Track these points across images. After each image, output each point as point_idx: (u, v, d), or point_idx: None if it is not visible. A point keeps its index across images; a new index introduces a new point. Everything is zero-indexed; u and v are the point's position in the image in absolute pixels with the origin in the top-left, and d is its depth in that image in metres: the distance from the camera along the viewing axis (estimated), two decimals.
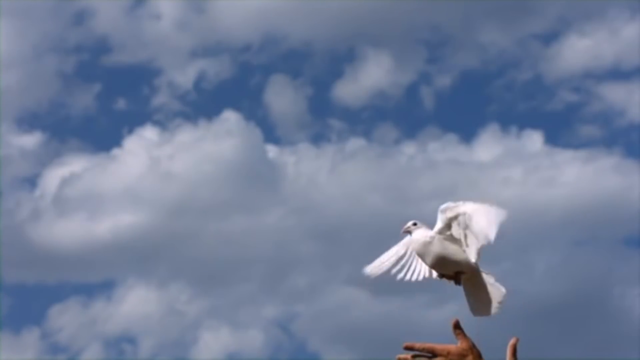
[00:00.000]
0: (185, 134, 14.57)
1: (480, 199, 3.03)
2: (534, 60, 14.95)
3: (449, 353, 2.42)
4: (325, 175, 14.29)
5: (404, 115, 15.02)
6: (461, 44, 15.10)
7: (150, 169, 14.13)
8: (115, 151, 14.45)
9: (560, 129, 15.49)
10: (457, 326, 2.46)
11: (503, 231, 2.88)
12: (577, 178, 13.94)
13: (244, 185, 14.40)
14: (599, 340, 11.54)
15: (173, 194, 13.96)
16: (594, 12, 15.00)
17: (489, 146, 14.15)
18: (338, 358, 12.17)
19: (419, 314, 12.53)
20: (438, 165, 14.15)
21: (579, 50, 14.54)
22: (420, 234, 3.12)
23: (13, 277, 13.48)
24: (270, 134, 14.80)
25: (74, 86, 14.94)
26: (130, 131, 14.71)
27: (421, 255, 3.12)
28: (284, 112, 14.93)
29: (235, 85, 15.16)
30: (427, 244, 3.09)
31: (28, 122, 14.79)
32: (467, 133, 14.63)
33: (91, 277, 13.87)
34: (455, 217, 3.05)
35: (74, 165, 14.18)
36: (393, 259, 3.34)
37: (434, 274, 3.15)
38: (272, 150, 14.68)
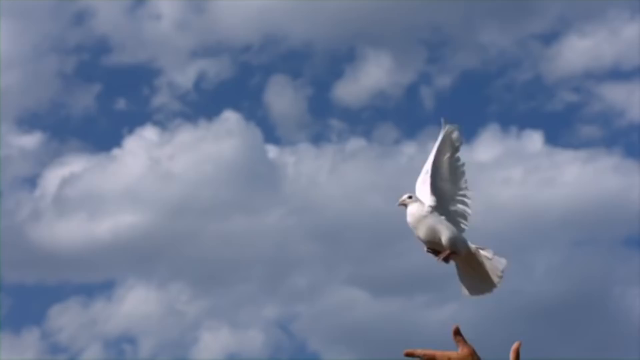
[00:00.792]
0: (186, 134, 14.57)
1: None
2: (534, 60, 14.96)
3: (449, 359, 2.42)
4: (325, 175, 14.30)
5: (404, 115, 15.03)
6: (461, 44, 15.11)
7: (150, 169, 14.13)
8: (115, 151, 14.46)
9: (560, 129, 15.51)
10: (457, 332, 2.45)
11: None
12: (577, 178, 13.94)
13: (244, 185, 14.41)
14: (599, 340, 11.54)
15: (173, 194, 13.96)
16: (594, 12, 15.01)
17: (489, 146, 14.15)
18: (338, 358, 12.18)
19: (419, 314, 12.54)
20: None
21: (579, 50, 14.55)
22: (416, 208, 3.16)
23: (13, 277, 13.49)
24: (270, 134, 14.82)
25: (74, 86, 14.96)
26: (131, 131, 14.72)
27: (415, 228, 3.15)
28: (284, 112, 14.94)
29: (235, 86, 15.17)
30: (422, 218, 3.13)
31: (28, 122, 14.80)
32: (467, 133, 14.57)
33: (91, 277, 13.88)
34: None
35: (74, 165, 14.19)
36: None
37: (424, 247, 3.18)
38: (272, 151, 14.69)
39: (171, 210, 13.87)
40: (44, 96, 14.83)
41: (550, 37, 15.22)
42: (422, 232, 3.12)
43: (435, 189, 3.12)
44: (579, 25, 14.86)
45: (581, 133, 14.59)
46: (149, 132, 14.56)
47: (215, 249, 13.64)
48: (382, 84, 14.76)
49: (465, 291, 3.14)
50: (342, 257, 13.13)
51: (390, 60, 15.00)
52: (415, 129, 15.67)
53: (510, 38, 15.00)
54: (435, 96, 14.63)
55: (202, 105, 15.06)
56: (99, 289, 13.71)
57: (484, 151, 14.07)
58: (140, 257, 13.82)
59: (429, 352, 2.44)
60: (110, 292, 13.67)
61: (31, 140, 14.47)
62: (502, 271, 3.10)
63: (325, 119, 15.09)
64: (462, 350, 2.42)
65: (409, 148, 14.15)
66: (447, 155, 3.16)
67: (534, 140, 14.33)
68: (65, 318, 13.24)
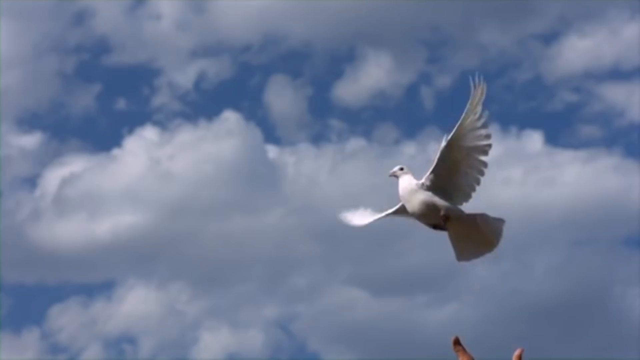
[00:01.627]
0: (186, 134, 14.57)
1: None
2: (534, 60, 14.95)
3: None
4: (325, 175, 14.29)
5: (404, 115, 15.02)
6: (461, 44, 15.11)
7: (150, 169, 14.13)
8: (115, 151, 14.46)
9: (560, 129, 15.51)
10: (457, 343, 2.45)
11: None
12: (577, 178, 13.94)
13: (244, 185, 14.40)
14: (599, 340, 11.54)
15: (173, 194, 13.96)
16: (594, 12, 15.01)
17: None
18: (338, 358, 12.17)
19: (419, 314, 12.53)
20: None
21: (579, 50, 14.55)
22: (407, 180, 3.16)
23: (13, 277, 13.48)
24: (270, 134, 14.81)
25: (74, 86, 14.95)
26: (131, 131, 14.72)
27: (406, 201, 3.15)
28: (284, 112, 14.94)
29: (235, 86, 15.16)
30: (413, 191, 3.13)
31: (28, 122, 14.79)
32: None
33: (91, 277, 13.87)
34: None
35: (74, 165, 14.18)
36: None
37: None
38: (272, 151, 14.68)
39: (171, 210, 13.88)
40: (44, 96, 14.84)
41: (550, 37, 15.23)
42: (413, 205, 3.12)
43: (437, 167, 3.11)
44: (579, 25, 14.87)
45: (581, 133, 14.60)
46: (149, 132, 14.57)
47: (215, 249, 13.65)
48: (382, 84, 14.77)
49: (461, 256, 3.13)
50: (342, 257, 13.12)
51: (390, 60, 15.01)
52: (415, 129, 15.69)
53: (510, 38, 15.01)
54: (435, 96, 14.63)
55: (202, 105, 15.08)
56: (99, 289, 13.72)
57: None
58: (140, 257, 13.83)
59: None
60: (110, 292, 13.68)
61: (31, 140, 14.48)
62: (501, 232, 3.10)
63: (325, 119, 15.10)
64: None
65: (409, 148, 14.14)
66: (474, 118, 3.10)
67: (534, 140, 14.34)
68: (65, 318, 13.25)
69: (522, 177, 13.96)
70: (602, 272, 13.20)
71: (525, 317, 11.70)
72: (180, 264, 13.69)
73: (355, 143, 14.60)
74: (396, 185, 3.20)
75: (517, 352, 2.44)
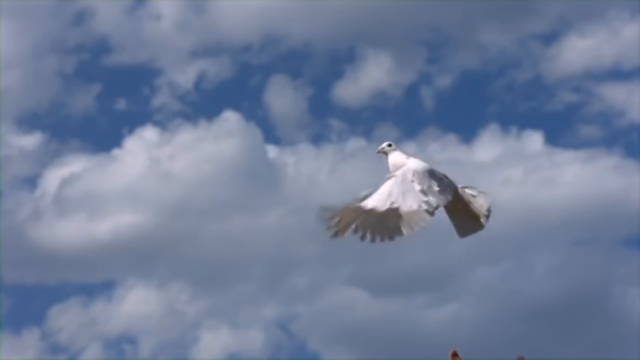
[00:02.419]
0: (186, 134, 14.58)
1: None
2: (534, 60, 14.98)
3: None
4: (325, 175, 14.30)
5: (404, 115, 15.04)
6: (461, 44, 15.13)
7: (150, 169, 14.13)
8: (116, 151, 14.48)
9: (560, 129, 15.52)
10: (455, 355, 2.46)
11: None
12: (577, 178, 13.94)
13: (244, 185, 14.40)
14: (599, 340, 11.54)
15: (173, 194, 13.96)
16: (594, 12, 15.03)
17: (489, 146, 14.16)
18: (338, 358, 12.17)
19: (419, 314, 12.53)
20: (438, 166, 14.09)
21: (579, 50, 14.57)
22: (396, 156, 3.19)
23: (13, 277, 13.49)
24: (270, 134, 14.83)
25: (74, 86, 14.98)
26: (131, 131, 14.74)
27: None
28: (284, 112, 14.95)
29: (235, 86, 15.18)
30: (403, 166, 3.16)
31: (28, 122, 14.82)
32: (467, 133, 14.66)
33: (91, 278, 13.88)
34: None
35: (74, 165, 14.20)
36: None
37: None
38: (272, 151, 14.70)
39: (171, 210, 13.89)
40: (44, 96, 14.86)
41: (550, 37, 15.24)
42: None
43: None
44: (579, 25, 14.88)
45: (581, 133, 14.62)
46: (149, 132, 14.59)
47: (215, 249, 13.65)
48: (382, 84, 14.78)
49: (459, 231, 3.15)
50: (342, 257, 13.12)
51: (390, 60, 15.02)
52: (415, 129, 15.71)
53: (510, 38, 15.03)
54: (435, 96, 14.65)
55: (202, 105, 15.09)
56: (99, 289, 13.73)
57: (484, 151, 14.09)
58: (140, 257, 13.83)
59: None
60: (110, 292, 13.69)
61: (31, 140, 14.50)
62: (488, 209, 3.12)
63: (325, 119, 15.11)
64: None
65: (409, 148, 14.08)
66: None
67: (534, 140, 14.35)
68: (65, 318, 13.26)
69: (522, 177, 13.98)
70: (602, 272, 13.21)
71: (525, 317, 11.70)
72: (180, 264, 13.70)
73: (355, 143, 14.63)
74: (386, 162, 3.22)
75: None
